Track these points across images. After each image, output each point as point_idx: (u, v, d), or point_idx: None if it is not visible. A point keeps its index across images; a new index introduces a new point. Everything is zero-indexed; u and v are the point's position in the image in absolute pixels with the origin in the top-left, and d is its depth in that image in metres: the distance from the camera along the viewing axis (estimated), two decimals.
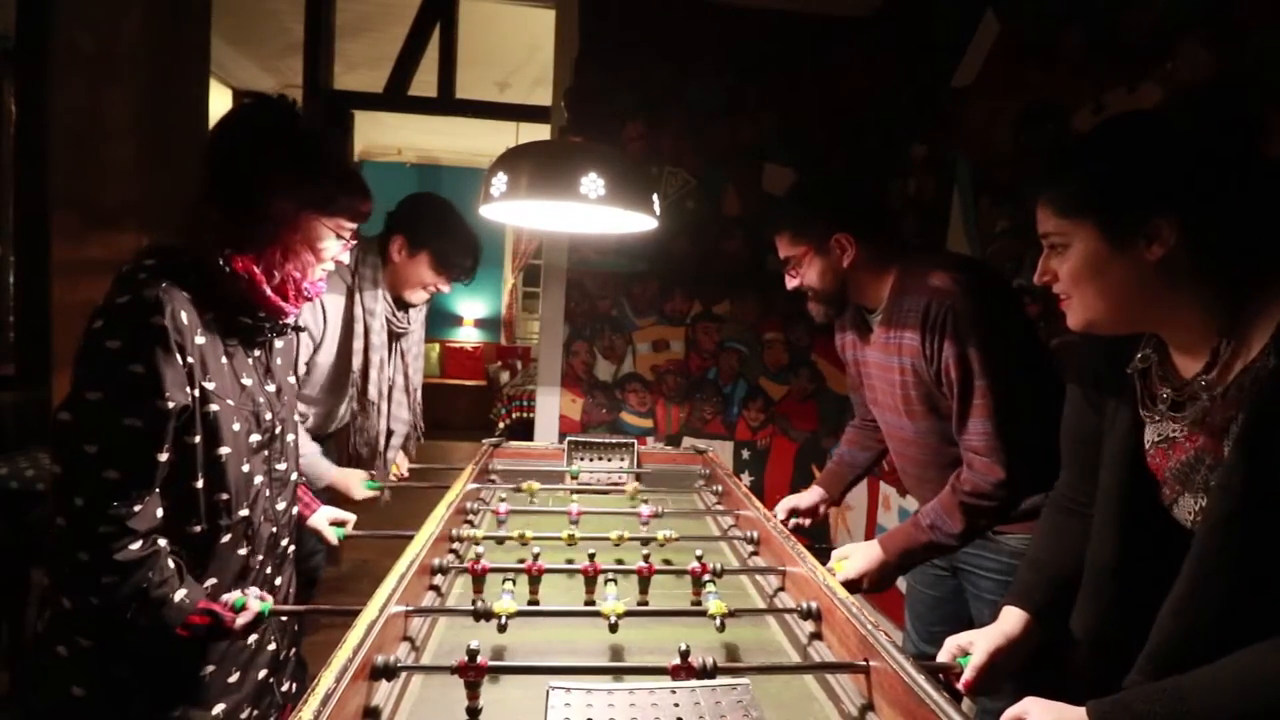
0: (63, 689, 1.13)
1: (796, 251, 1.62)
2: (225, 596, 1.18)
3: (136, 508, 1.07)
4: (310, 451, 1.99)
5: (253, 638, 1.26)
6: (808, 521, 1.93)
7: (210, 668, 1.20)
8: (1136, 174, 0.87)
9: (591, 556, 1.31)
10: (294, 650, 1.46)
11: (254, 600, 1.20)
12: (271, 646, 1.34)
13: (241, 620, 1.17)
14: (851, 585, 1.53)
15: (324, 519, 1.67)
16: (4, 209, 2.44)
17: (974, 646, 1.10)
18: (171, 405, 1.08)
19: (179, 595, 1.12)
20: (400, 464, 2.29)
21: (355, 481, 2.03)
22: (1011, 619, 1.13)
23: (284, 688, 1.39)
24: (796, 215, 1.63)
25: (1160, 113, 0.90)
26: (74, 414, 1.06)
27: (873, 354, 1.65)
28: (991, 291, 1.48)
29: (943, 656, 1.13)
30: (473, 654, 0.95)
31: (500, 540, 1.57)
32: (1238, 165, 0.85)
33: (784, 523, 1.82)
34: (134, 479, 1.07)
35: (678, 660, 0.97)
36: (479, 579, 1.30)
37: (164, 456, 1.09)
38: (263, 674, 1.31)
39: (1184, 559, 0.87)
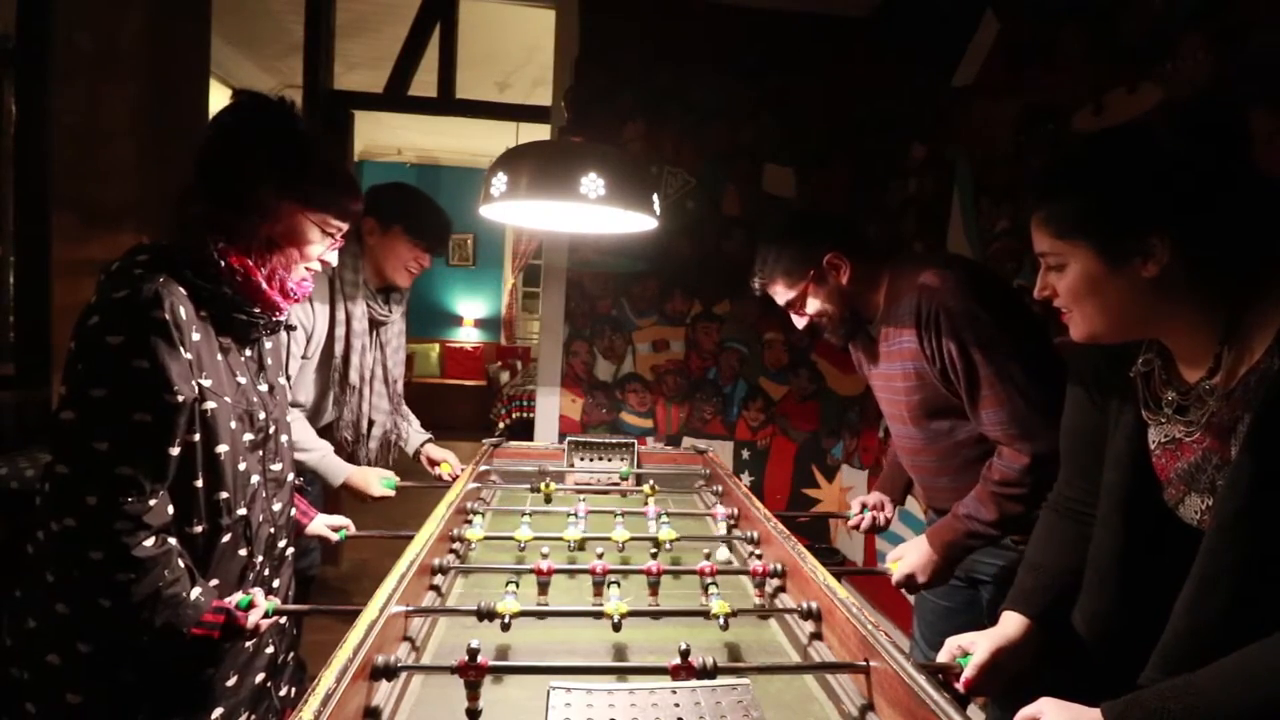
0: (55, 696, 1.11)
1: (795, 291, 1.64)
2: (229, 598, 1.17)
3: (152, 502, 1.07)
4: (323, 448, 1.99)
5: (250, 641, 1.25)
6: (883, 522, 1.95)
7: (210, 671, 1.19)
8: (1128, 195, 0.88)
9: (654, 555, 1.28)
10: (291, 654, 1.45)
11: (260, 598, 1.19)
12: (269, 650, 1.33)
13: (253, 618, 1.16)
14: (910, 584, 1.54)
15: (321, 524, 1.67)
16: (4, 209, 2.43)
17: (975, 646, 1.11)
18: (181, 399, 1.08)
19: (194, 594, 1.11)
20: (452, 463, 2.29)
21: (373, 480, 2.04)
22: (1012, 624, 1.12)
23: (282, 692, 1.38)
24: (783, 260, 1.64)
25: (1147, 128, 0.91)
26: (79, 412, 1.05)
27: (877, 366, 1.66)
28: (983, 284, 1.48)
29: (943, 656, 1.13)
30: (473, 653, 0.95)
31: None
32: (1225, 179, 0.86)
33: (865, 529, 1.94)
34: (147, 474, 1.07)
35: (678, 660, 0.97)
36: (544, 581, 1.27)
37: (175, 450, 1.09)
38: (260, 678, 1.30)
39: (1185, 557, 0.87)
